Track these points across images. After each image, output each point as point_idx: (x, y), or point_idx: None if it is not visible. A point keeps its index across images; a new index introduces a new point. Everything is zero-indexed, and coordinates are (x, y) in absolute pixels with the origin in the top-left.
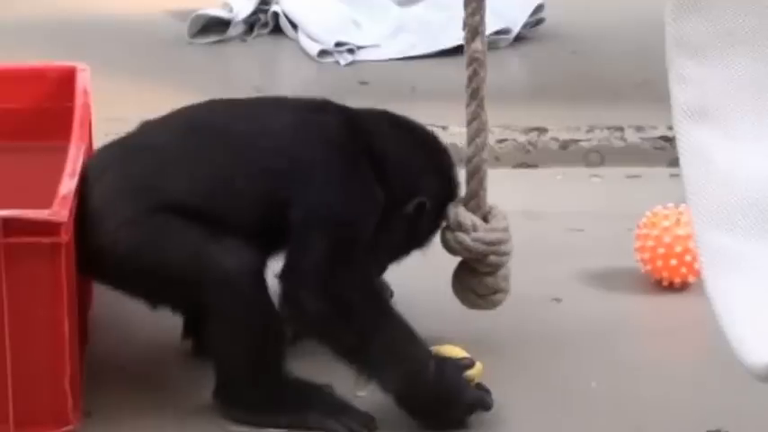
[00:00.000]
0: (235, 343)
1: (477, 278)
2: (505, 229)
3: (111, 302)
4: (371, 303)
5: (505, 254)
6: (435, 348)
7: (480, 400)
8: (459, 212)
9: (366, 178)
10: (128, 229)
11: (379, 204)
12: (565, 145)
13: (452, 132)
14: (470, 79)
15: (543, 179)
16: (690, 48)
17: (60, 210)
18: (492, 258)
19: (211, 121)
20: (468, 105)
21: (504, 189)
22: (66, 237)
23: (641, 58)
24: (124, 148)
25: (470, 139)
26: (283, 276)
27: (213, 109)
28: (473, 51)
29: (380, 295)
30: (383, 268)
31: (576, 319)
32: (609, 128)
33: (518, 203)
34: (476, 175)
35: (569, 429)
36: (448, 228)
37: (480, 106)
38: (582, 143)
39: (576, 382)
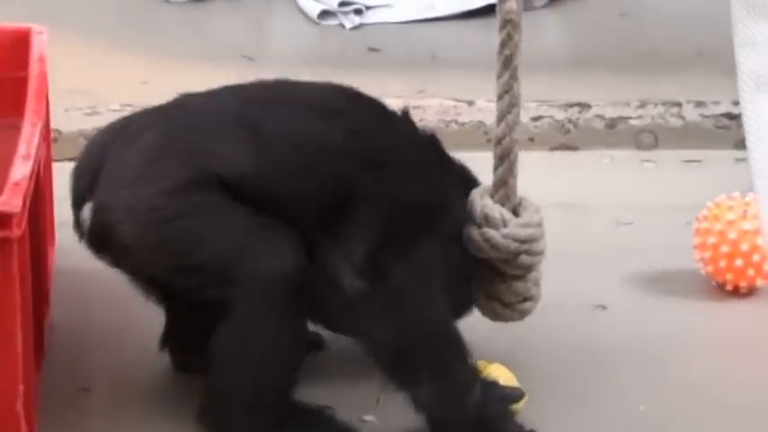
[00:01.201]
0: (247, 357)
1: (504, 283)
2: (539, 225)
3: (71, 309)
4: (421, 297)
5: (538, 253)
6: (483, 365)
7: None
8: (485, 204)
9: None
10: (166, 199)
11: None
12: (612, 123)
13: (480, 107)
14: (503, 45)
15: (586, 164)
16: (758, 7)
17: (12, 199)
18: (523, 259)
19: (272, 94)
20: (499, 76)
21: (540, 176)
22: (18, 230)
23: (701, 21)
24: (165, 113)
25: (501, 117)
26: (329, 248)
27: (266, 86)
28: (506, 12)
29: (437, 295)
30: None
31: (624, 330)
32: (664, 103)
33: (556, 193)
34: (506, 159)
35: None
36: (473, 222)
37: (513, 77)
38: (632, 121)
39: (622, 406)
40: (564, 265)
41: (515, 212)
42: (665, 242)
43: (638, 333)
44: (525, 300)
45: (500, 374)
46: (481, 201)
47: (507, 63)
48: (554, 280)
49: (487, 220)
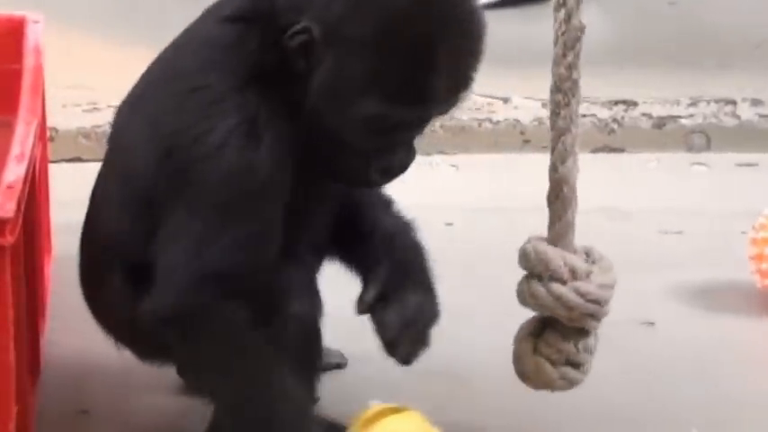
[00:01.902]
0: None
1: (557, 343)
2: (612, 285)
3: (68, 323)
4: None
5: (600, 318)
6: (370, 412)
7: None
8: (550, 253)
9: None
10: None
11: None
12: (660, 123)
13: (516, 104)
14: (555, 111)
15: (632, 167)
16: None
17: (5, 203)
18: (589, 322)
19: None
20: (553, 90)
21: (581, 180)
22: (11, 238)
23: (760, 9)
24: None
25: (555, 139)
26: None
27: None
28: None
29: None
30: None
31: (673, 348)
32: (717, 101)
33: (598, 199)
34: (560, 196)
35: None
36: (531, 276)
37: (572, 91)
38: (682, 121)
39: (672, 428)
40: None
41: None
42: (717, 253)
43: (689, 351)
44: (578, 366)
45: (384, 425)
46: (544, 248)
47: (567, 70)
48: None
49: (554, 274)
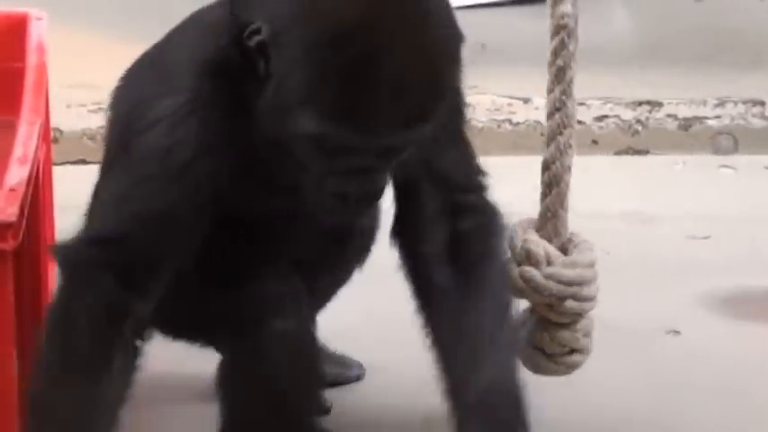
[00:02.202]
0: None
1: (548, 332)
2: (591, 265)
3: None
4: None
5: (588, 299)
6: None
7: None
8: (528, 240)
9: None
10: None
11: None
12: (686, 124)
13: (537, 105)
14: (555, 54)
15: (656, 170)
16: None
17: (7, 207)
18: (570, 304)
19: None
20: (549, 90)
21: (604, 183)
22: (14, 242)
23: None
24: None
25: (551, 138)
26: None
27: None
28: (560, 16)
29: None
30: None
31: (700, 358)
32: (745, 102)
33: (622, 202)
34: (555, 188)
35: None
36: (512, 260)
37: (567, 93)
38: (709, 122)
39: None
40: (631, 284)
41: (564, 250)
42: (746, 258)
43: (716, 361)
44: (572, 351)
45: None
46: (523, 235)
47: (560, 76)
48: (620, 301)
49: (529, 258)
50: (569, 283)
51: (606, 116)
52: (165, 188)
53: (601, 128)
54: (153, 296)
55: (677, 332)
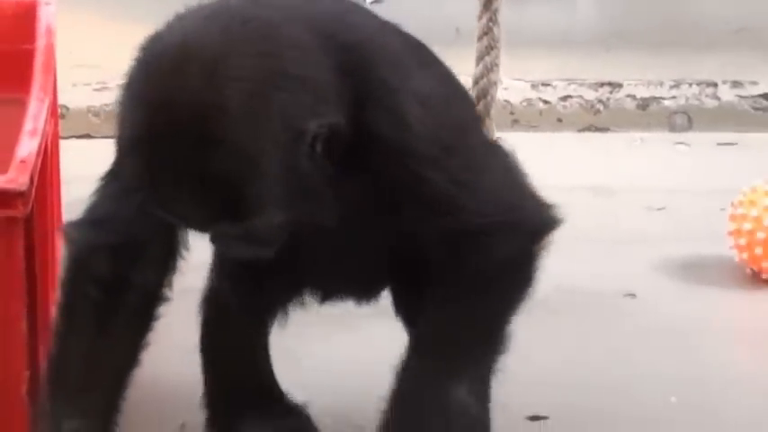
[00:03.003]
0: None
1: None
2: None
3: None
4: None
5: None
6: None
7: None
8: None
9: None
10: None
11: None
12: (644, 104)
13: (506, 86)
14: None
15: (616, 146)
16: None
17: (18, 176)
18: None
19: None
20: (479, 18)
21: (568, 158)
22: (24, 210)
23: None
24: None
25: (479, 57)
26: None
27: None
28: None
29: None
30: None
31: (654, 319)
32: (699, 83)
33: (584, 176)
34: (482, 99)
35: None
36: None
37: (493, 20)
38: (665, 102)
39: (652, 397)
40: (592, 251)
41: None
42: (697, 228)
43: (669, 322)
44: None
45: None
46: None
47: (488, 5)
48: (581, 267)
49: None
50: None
51: (570, 96)
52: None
53: (565, 107)
54: (152, 268)
55: (633, 295)
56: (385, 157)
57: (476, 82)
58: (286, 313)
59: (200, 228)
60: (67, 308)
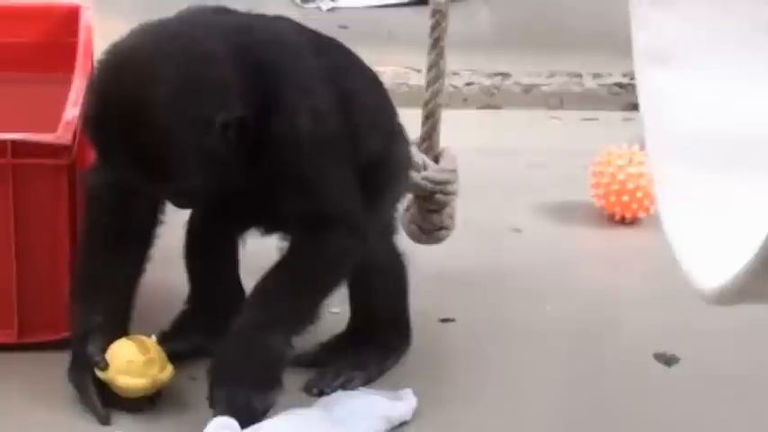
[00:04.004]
0: None
1: (423, 215)
2: (453, 171)
3: None
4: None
5: (452, 193)
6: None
7: (91, 408)
8: (412, 152)
9: None
10: None
11: None
12: (527, 89)
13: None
14: (433, 29)
15: (506, 120)
16: None
17: (64, 134)
18: (438, 197)
19: None
20: (429, 53)
21: (470, 129)
22: (68, 159)
23: (600, 10)
24: None
25: (428, 85)
26: None
27: None
28: (436, 3)
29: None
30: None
31: (535, 248)
32: (568, 74)
33: (483, 141)
34: (430, 119)
35: (523, 346)
36: None
37: (440, 55)
38: (543, 88)
39: (532, 306)
40: (487, 197)
41: (436, 160)
42: (567, 181)
43: (547, 251)
44: (441, 229)
45: (121, 348)
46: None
47: (435, 44)
48: (480, 208)
49: (412, 165)
50: (438, 183)
51: (473, 83)
52: None
53: (468, 90)
54: (148, 198)
55: (519, 230)
56: (278, 150)
57: (425, 104)
58: (235, 239)
59: (142, 187)
60: (87, 232)
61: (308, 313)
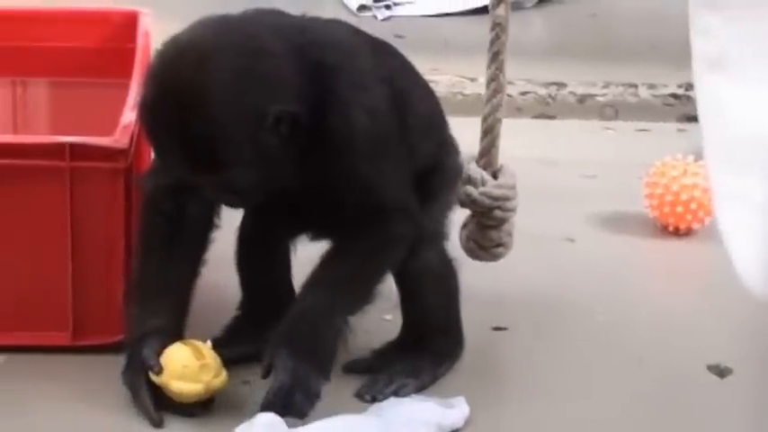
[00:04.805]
0: None
1: (481, 231)
2: (513, 187)
3: None
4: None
5: (510, 210)
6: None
7: (144, 412)
8: (470, 167)
9: None
10: None
11: None
12: (582, 99)
13: (480, 83)
14: (492, 43)
15: (561, 130)
16: (712, 1)
17: (122, 138)
18: (497, 213)
19: None
20: (488, 67)
21: (525, 138)
22: (125, 162)
23: (654, 22)
24: None
25: (487, 100)
26: None
27: None
28: (496, 16)
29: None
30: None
31: (587, 257)
32: (623, 84)
33: (537, 151)
34: (489, 134)
35: (575, 356)
36: (462, 182)
37: (499, 69)
38: (598, 98)
39: (584, 315)
40: (541, 207)
41: (495, 176)
42: (621, 192)
43: (599, 260)
44: (498, 245)
45: (176, 353)
46: (468, 165)
47: (495, 58)
48: (533, 217)
49: (469, 180)
50: (497, 198)
51: (528, 92)
52: None
53: (524, 100)
54: (203, 202)
55: (572, 240)
56: (332, 146)
57: (484, 119)
58: (286, 245)
59: (188, 176)
60: (143, 235)
61: (364, 296)
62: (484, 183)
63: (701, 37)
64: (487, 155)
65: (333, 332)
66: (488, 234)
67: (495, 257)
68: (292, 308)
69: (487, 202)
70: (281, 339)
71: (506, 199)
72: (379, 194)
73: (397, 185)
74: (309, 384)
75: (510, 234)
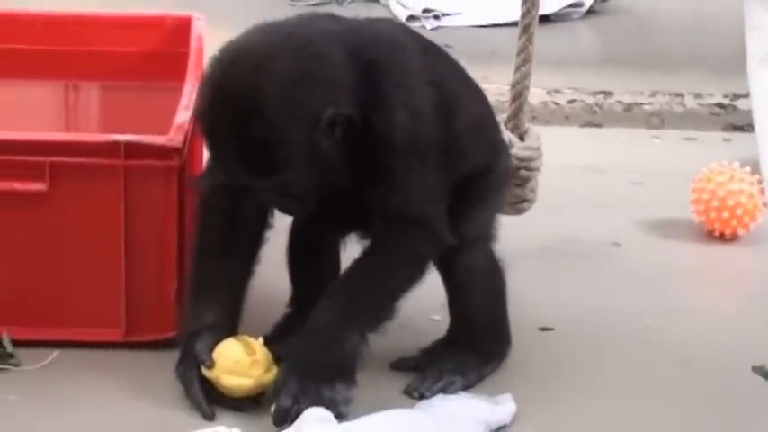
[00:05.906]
0: None
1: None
2: (538, 148)
3: None
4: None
5: (535, 169)
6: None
7: (196, 405)
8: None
9: None
10: None
11: None
12: (629, 108)
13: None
14: (524, 16)
15: (608, 138)
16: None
17: (176, 136)
18: (522, 172)
19: None
20: (519, 38)
21: (573, 145)
22: (178, 160)
23: (701, 33)
24: None
25: (517, 68)
26: None
27: None
28: None
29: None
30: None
31: (634, 262)
32: (670, 94)
33: (584, 158)
34: (518, 99)
35: (621, 356)
36: None
37: (529, 40)
38: (644, 107)
39: (631, 318)
40: (589, 212)
41: (522, 138)
42: (667, 197)
43: (645, 264)
44: (523, 201)
45: (228, 349)
46: None
47: (526, 30)
48: (580, 222)
49: None
50: (523, 159)
51: (575, 100)
52: None
53: (571, 108)
54: (255, 204)
55: (619, 245)
56: (375, 145)
57: (513, 86)
58: (335, 243)
59: (243, 179)
60: (200, 233)
61: (380, 312)
62: (512, 145)
63: (755, 33)
64: (515, 118)
65: (344, 346)
66: (514, 191)
67: (519, 212)
68: (307, 323)
69: (515, 162)
70: (289, 360)
71: (531, 159)
72: (404, 198)
73: (428, 199)
74: (321, 396)
75: (534, 191)
